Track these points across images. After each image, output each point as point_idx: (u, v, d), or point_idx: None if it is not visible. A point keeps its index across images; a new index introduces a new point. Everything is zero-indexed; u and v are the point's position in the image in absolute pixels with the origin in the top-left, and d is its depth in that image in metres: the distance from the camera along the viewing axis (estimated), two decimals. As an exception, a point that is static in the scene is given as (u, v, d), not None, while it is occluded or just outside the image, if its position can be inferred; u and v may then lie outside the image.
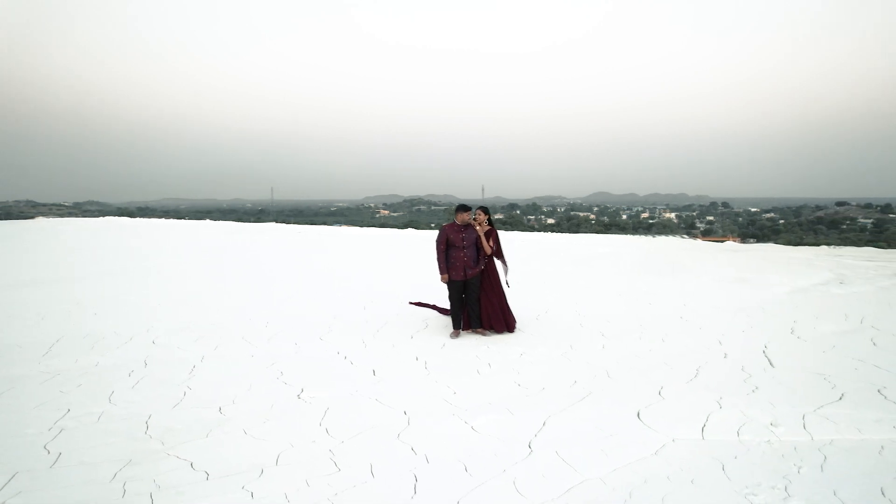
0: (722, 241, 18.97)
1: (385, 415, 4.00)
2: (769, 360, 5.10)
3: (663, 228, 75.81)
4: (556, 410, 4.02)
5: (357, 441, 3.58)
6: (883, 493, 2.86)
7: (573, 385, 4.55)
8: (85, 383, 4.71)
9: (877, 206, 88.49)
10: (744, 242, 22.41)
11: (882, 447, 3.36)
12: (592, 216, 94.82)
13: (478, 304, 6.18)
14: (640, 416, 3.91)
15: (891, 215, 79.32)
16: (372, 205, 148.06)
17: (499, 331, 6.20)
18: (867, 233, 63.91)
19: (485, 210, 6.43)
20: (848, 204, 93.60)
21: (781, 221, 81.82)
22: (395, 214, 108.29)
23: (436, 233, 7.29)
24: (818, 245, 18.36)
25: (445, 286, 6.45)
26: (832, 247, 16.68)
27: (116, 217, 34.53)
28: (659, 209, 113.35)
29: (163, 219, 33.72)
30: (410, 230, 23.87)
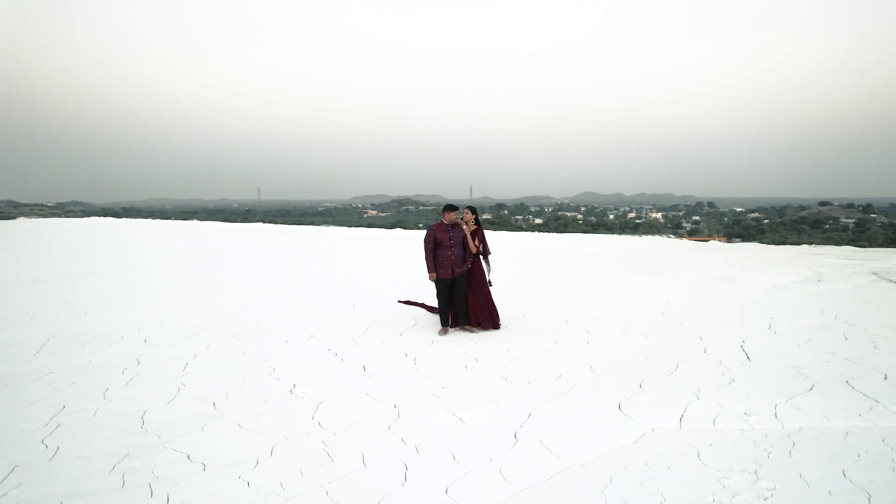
0: (706, 241, 19.28)
1: (376, 408, 4.13)
2: (746, 354, 5.29)
3: (650, 228, 76.55)
4: (542, 403, 4.17)
5: (349, 433, 3.70)
6: (844, 475, 3.05)
7: (558, 379, 4.70)
8: (79, 381, 4.78)
9: (858, 206, 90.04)
10: (729, 242, 22.77)
11: (847, 433, 3.55)
12: (580, 216, 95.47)
13: (465, 301, 6.33)
14: (622, 407, 4.07)
15: (872, 215, 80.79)
16: (360, 205, 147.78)
17: (485, 327, 6.35)
18: (849, 232, 65.06)
19: (473, 210, 6.58)
20: (831, 204, 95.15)
21: (766, 221, 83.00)
22: (382, 215, 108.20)
23: (424, 233, 7.43)
24: (800, 244, 18.73)
25: (433, 284, 6.58)
26: (813, 246, 17.05)
27: (101, 217, 34.25)
28: (646, 209, 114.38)
29: (149, 219, 33.49)
30: (398, 230, 23.97)
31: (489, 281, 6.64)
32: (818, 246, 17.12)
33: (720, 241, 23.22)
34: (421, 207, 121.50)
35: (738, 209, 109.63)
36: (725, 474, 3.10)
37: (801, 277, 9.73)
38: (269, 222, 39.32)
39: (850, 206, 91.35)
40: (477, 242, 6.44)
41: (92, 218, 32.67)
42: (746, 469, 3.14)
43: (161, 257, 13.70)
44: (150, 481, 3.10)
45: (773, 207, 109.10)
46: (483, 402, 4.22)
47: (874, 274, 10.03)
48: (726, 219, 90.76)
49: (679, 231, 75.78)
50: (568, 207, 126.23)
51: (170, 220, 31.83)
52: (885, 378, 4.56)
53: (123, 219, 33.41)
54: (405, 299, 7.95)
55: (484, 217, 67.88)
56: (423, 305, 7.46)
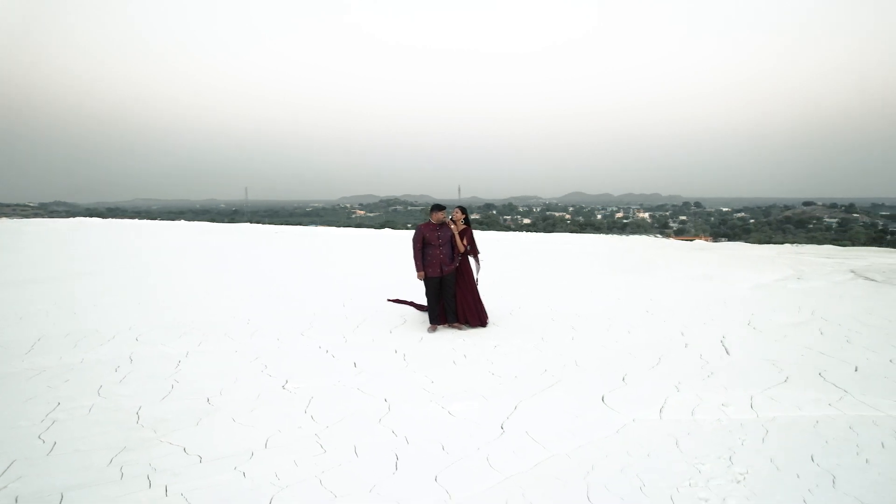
0: (692, 241, 19.58)
1: (367, 402, 4.24)
2: (726, 349, 5.47)
3: (637, 228, 77.22)
4: (528, 396, 4.31)
5: (341, 426, 3.81)
6: (812, 459, 3.22)
7: (543, 373, 4.85)
8: (72, 379, 4.84)
9: (841, 206, 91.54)
10: (715, 241, 23.08)
11: (817, 421, 3.74)
12: (568, 216, 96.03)
13: (454, 299, 6.45)
14: (605, 399, 4.22)
15: (854, 214, 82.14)
16: (348, 205, 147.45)
17: (473, 325, 6.48)
18: (832, 231, 66.13)
19: (462, 210, 6.71)
20: (815, 204, 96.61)
21: (752, 221, 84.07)
22: (371, 215, 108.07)
23: (412, 232, 7.58)
24: (784, 244, 19.10)
25: (422, 283, 6.70)
26: (795, 245, 17.41)
27: (86, 218, 33.95)
28: (633, 209, 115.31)
29: (135, 220, 33.25)
30: (387, 230, 24.05)
31: (476, 279, 6.77)
32: (801, 245, 17.48)
33: (706, 240, 23.56)
34: (409, 207, 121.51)
35: (725, 209, 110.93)
36: (702, 461, 3.26)
37: (782, 275, 9.97)
38: (257, 222, 39.23)
39: (833, 205, 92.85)
40: (465, 242, 6.58)
41: (77, 218, 32.39)
42: (721, 456, 3.30)
43: (148, 257, 13.68)
44: (149, 473, 3.20)
45: (758, 207, 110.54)
46: (471, 395, 4.35)
47: (852, 272, 10.30)
48: (713, 218, 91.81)
49: (666, 231, 76.53)
50: (556, 207, 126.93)
51: (156, 221, 31.64)
52: (856, 370, 4.76)
53: (109, 219, 33.14)
54: (394, 298, 8.07)
55: (472, 217, 68.11)
56: (412, 304, 7.58)
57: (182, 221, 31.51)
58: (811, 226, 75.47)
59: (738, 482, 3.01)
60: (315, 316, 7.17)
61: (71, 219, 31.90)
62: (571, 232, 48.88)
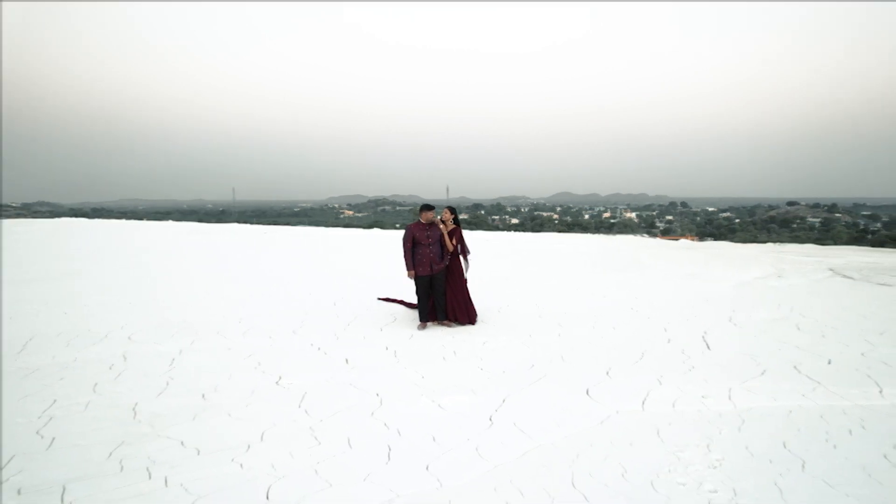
0: (677, 240, 19.86)
1: (359, 397, 4.36)
2: (707, 344, 5.66)
3: (624, 228, 77.88)
4: (515, 390, 4.45)
5: (335, 419, 3.93)
6: (784, 446, 3.39)
7: (531, 368, 4.99)
8: (67, 377, 4.90)
9: (824, 206, 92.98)
10: (701, 241, 23.43)
11: (790, 411, 3.92)
12: (555, 216, 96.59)
13: (443, 297, 6.58)
14: (589, 392, 4.38)
15: (836, 214, 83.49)
16: (336, 205, 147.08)
17: (462, 322, 6.62)
18: (815, 231, 67.20)
19: (452, 210, 6.84)
20: (798, 204, 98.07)
21: (737, 221, 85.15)
22: (359, 215, 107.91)
23: (402, 232, 7.70)
24: (768, 243, 19.46)
25: (412, 282, 6.81)
26: (777, 244, 17.75)
27: (71, 218, 33.63)
28: (620, 209, 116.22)
29: (121, 220, 32.99)
30: (376, 230, 24.12)
31: (465, 278, 6.90)
32: (783, 244, 17.84)
33: (692, 240, 23.89)
34: (398, 208, 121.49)
35: (711, 209, 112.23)
36: (682, 449, 3.42)
37: (764, 273, 10.22)
38: (245, 222, 39.08)
39: (816, 205, 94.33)
40: (454, 241, 6.71)
41: (62, 218, 32.07)
42: (700, 444, 3.47)
43: (136, 258, 13.66)
44: (148, 466, 3.29)
45: (744, 207, 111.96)
46: (461, 390, 4.48)
47: (830, 270, 10.58)
48: (699, 218, 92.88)
49: (653, 231, 77.27)
50: (544, 207, 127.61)
51: (143, 221, 31.43)
52: (829, 363, 4.96)
53: (95, 220, 32.85)
54: (385, 297, 8.18)
55: (461, 217, 68.36)
56: (402, 302, 7.70)
57: (170, 222, 31.34)
58: (795, 225, 76.66)
59: (715, 468, 3.17)
60: (307, 314, 7.26)
61: (55, 219, 31.57)
62: (559, 232, 49.23)
